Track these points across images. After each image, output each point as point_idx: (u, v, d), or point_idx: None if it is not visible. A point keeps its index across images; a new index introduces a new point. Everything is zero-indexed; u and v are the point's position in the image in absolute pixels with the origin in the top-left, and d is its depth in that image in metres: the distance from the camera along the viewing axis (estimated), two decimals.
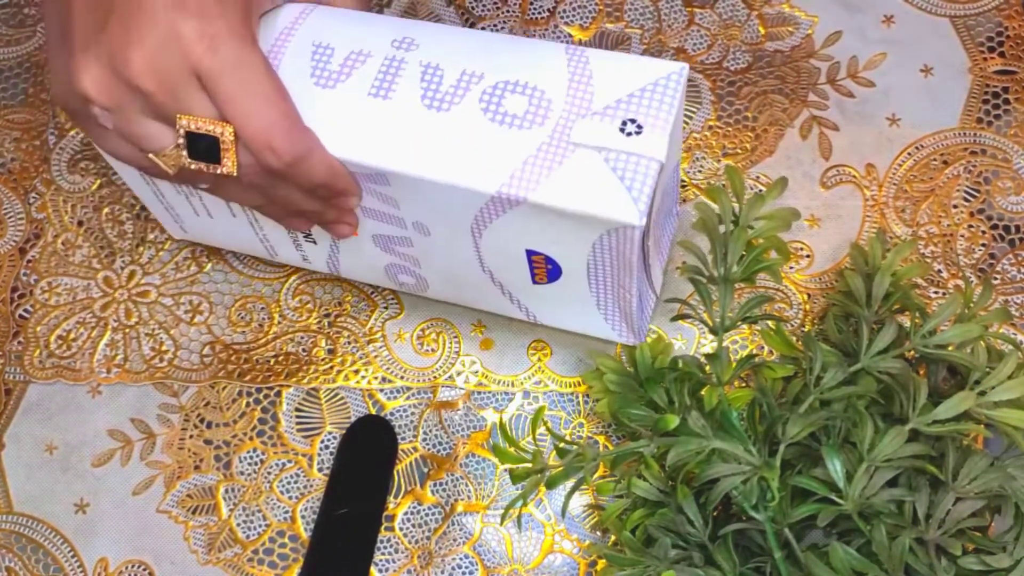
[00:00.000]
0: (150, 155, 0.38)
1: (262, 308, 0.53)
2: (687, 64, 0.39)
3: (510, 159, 0.38)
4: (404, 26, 0.42)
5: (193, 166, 0.38)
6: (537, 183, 0.37)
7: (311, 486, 0.50)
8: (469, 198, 0.39)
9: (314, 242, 0.48)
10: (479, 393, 0.51)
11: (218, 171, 0.38)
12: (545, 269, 0.43)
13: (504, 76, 0.39)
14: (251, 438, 0.51)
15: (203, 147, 0.37)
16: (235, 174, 0.38)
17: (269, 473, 0.51)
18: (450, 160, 0.38)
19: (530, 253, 0.42)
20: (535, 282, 0.44)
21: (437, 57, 0.40)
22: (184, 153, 0.38)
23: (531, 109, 0.39)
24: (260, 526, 0.50)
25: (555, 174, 0.37)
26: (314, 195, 0.41)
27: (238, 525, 0.50)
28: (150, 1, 0.35)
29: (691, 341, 0.52)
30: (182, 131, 0.37)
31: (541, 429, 0.50)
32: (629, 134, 0.37)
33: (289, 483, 0.50)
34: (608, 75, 0.39)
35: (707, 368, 0.43)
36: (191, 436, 0.51)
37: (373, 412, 0.51)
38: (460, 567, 0.49)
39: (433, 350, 0.52)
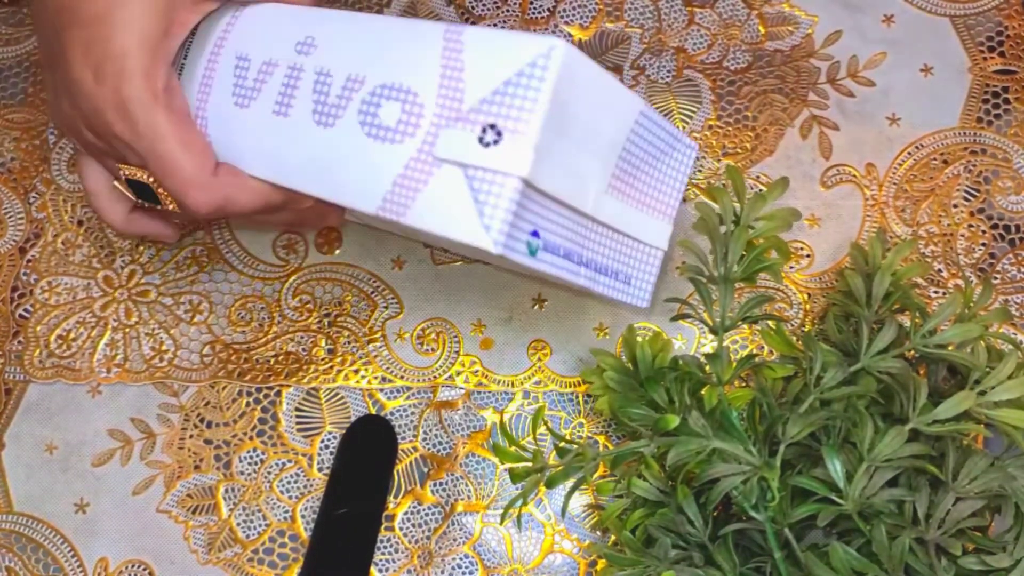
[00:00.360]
0: (114, 184, 0.43)
1: (262, 308, 0.53)
2: (562, 43, 0.32)
3: (384, 179, 0.35)
4: (308, 22, 0.40)
5: (146, 205, 0.43)
6: (406, 207, 0.35)
7: (311, 486, 0.50)
8: (359, 209, 0.37)
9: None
10: (479, 393, 0.51)
11: (164, 208, 0.42)
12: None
13: (382, 79, 0.36)
14: (251, 438, 0.51)
15: (143, 191, 0.42)
16: (179, 211, 0.42)
17: (269, 473, 0.51)
18: (335, 181, 0.38)
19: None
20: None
21: (330, 60, 0.38)
22: (131, 194, 0.42)
23: (403, 118, 0.35)
24: (260, 526, 0.50)
25: (421, 196, 0.34)
26: (268, 216, 0.43)
27: (238, 525, 0.50)
28: (79, 75, 0.39)
29: (691, 341, 0.52)
30: (123, 176, 0.42)
31: (541, 429, 0.50)
32: (487, 144, 0.33)
33: (289, 483, 0.50)
34: (480, 64, 0.34)
35: (707, 368, 0.43)
36: (191, 436, 0.51)
37: (373, 412, 0.51)
38: (460, 567, 0.49)
39: (433, 350, 0.52)
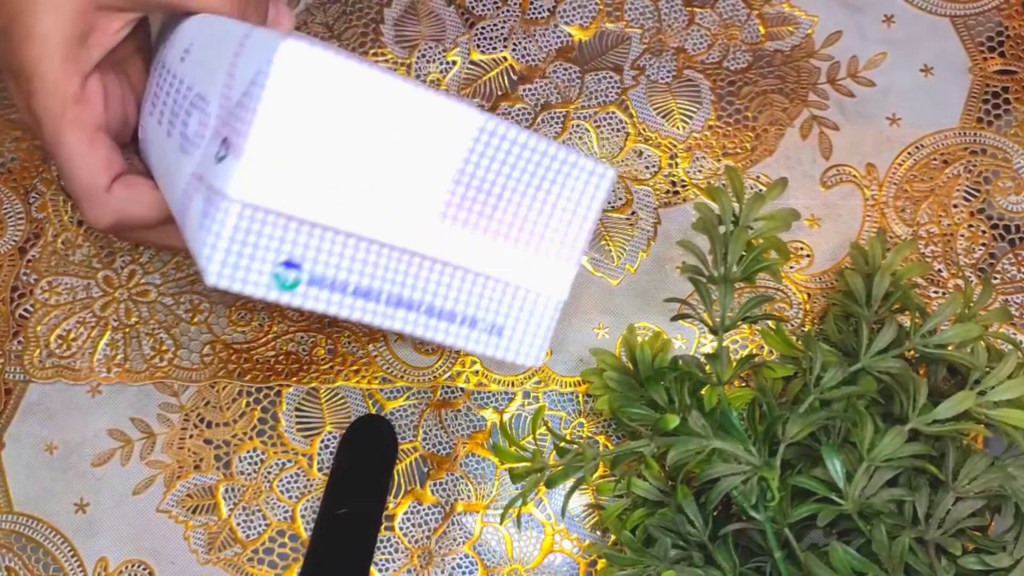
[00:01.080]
0: None
1: (262, 307, 0.53)
2: (294, 46, 0.28)
3: (178, 199, 0.33)
4: (192, 29, 0.38)
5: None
6: (184, 225, 0.32)
7: (311, 486, 0.50)
8: None
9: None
10: (479, 393, 0.51)
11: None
12: None
13: (197, 88, 0.34)
14: (251, 438, 0.51)
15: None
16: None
17: (269, 473, 0.51)
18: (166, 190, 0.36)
19: None
20: None
21: (188, 72, 0.36)
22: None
23: (198, 130, 0.33)
24: (260, 526, 0.50)
25: (187, 214, 0.31)
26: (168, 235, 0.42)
27: (238, 525, 0.50)
28: (6, 83, 0.39)
29: (691, 341, 0.52)
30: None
31: (541, 429, 0.50)
32: (220, 159, 0.29)
33: (289, 483, 0.50)
34: (242, 70, 0.30)
35: (707, 368, 0.43)
36: (191, 436, 0.51)
37: (373, 412, 0.51)
38: (460, 567, 0.49)
39: (433, 350, 0.52)
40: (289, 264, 0.30)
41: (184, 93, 0.34)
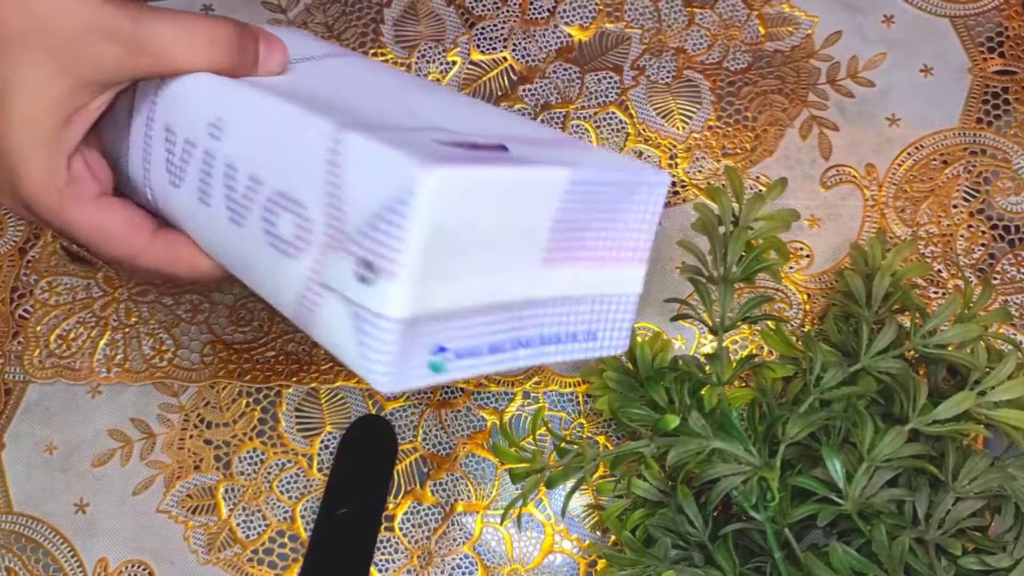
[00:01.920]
0: None
1: (262, 308, 0.53)
2: (432, 175, 0.28)
3: (289, 291, 0.33)
4: (217, 100, 0.37)
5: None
6: (308, 325, 0.33)
7: (311, 486, 0.50)
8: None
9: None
10: (479, 393, 0.51)
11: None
12: None
13: (277, 185, 0.34)
14: (251, 438, 0.51)
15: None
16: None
17: (269, 473, 0.51)
18: (255, 278, 0.36)
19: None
20: None
21: (234, 153, 0.36)
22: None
23: (297, 232, 0.33)
24: (260, 526, 0.50)
25: (317, 318, 0.33)
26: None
27: (238, 525, 0.50)
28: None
29: (691, 341, 0.52)
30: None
31: (541, 429, 0.50)
32: (364, 281, 0.30)
33: (289, 483, 0.50)
34: (357, 185, 0.31)
35: (707, 368, 0.43)
36: (191, 436, 0.51)
37: (373, 412, 0.51)
38: (460, 567, 0.49)
39: None
40: (439, 350, 0.32)
41: (245, 182, 0.34)
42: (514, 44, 0.56)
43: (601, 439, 0.51)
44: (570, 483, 0.43)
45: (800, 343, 0.46)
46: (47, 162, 0.35)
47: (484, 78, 0.56)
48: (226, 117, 0.36)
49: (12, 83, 0.34)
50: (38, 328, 0.53)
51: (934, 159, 0.54)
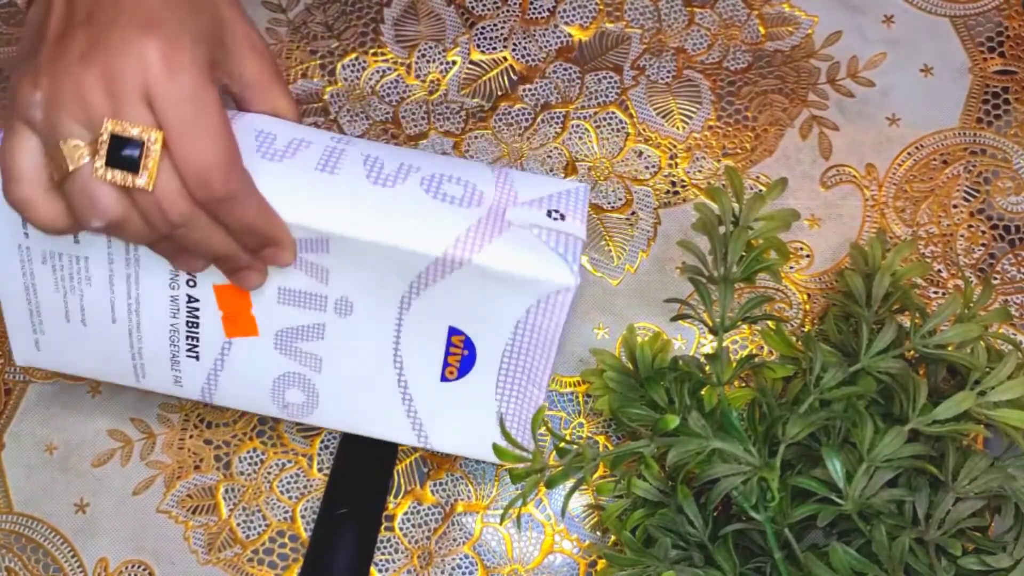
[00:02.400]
0: (57, 143, 0.36)
1: None
2: (587, 185, 0.45)
3: (453, 227, 0.40)
4: (338, 137, 0.43)
5: (109, 175, 0.35)
6: (480, 248, 0.39)
7: (311, 486, 0.50)
8: (413, 260, 0.40)
9: (196, 357, 0.44)
10: None
11: (132, 183, 0.35)
12: (460, 357, 0.43)
13: (439, 170, 0.42)
14: (251, 438, 0.51)
15: (124, 155, 0.35)
16: (150, 189, 0.36)
17: (269, 473, 0.51)
18: (396, 226, 0.39)
19: (451, 332, 0.42)
20: (444, 378, 0.43)
21: (375, 151, 0.42)
22: (99, 158, 0.35)
23: (466, 195, 0.41)
24: (260, 526, 0.50)
25: (495, 242, 0.40)
26: (241, 239, 0.39)
27: (238, 525, 0.50)
28: (122, 18, 0.35)
29: (691, 341, 0.52)
30: (105, 133, 0.35)
31: (541, 429, 0.50)
32: (555, 218, 0.41)
33: (289, 483, 0.50)
34: (526, 183, 0.43)
35: (707, 368, 0.43)
36: (191, 436, 0.51)
37: None
38: (460, 567, 0.49)
39: None
40: (578, 277, 0.40)
41: (400, 167, 0.42)
42: (514, 44, 0.56)
43: (601, 439, 0.51)
44: (570, 483, 0.43)
45: (800, 343, 0.46)
46: (207, 57, 0.37)
47: (484, 78, 0.56)
48: (351, 140, 0.44)
49: None
50: None
51: (934, 159, 0.54)
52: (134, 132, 0.35)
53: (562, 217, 0.41)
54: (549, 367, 0.42)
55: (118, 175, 0.35)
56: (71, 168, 0.35)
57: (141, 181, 0.35)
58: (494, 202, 0.41)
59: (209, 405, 0.48)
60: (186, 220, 0.37)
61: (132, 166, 0.35)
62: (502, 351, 0.42)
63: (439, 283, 0.40)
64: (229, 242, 0.39)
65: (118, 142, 0.35)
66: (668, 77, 0.55)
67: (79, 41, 0.35)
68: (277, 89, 0.43)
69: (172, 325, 0.43)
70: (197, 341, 0.44)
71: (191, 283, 0.42)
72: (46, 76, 0.36)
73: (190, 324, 0.43)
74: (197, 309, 0.43)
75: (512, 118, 0.55)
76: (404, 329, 0.42)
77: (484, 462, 0.50)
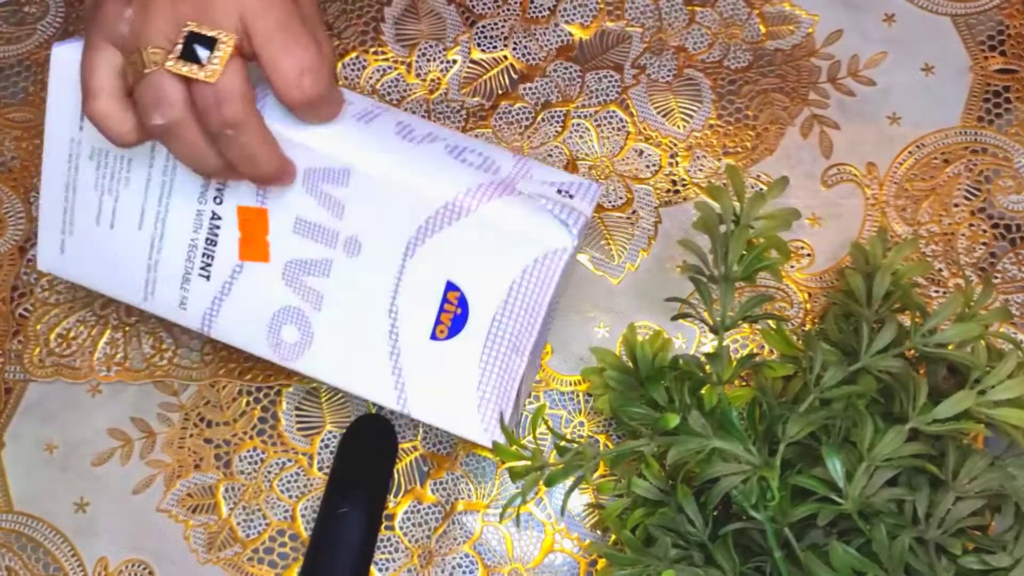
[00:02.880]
0: (138, 49, 0.38)
1: None
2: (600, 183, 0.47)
3: (467, 182, 0.42)
4: (377, 103, 0.46)
5: (176, 68, 0.37)
6: (488, 201, 0.42)
7: (311, 485, 0.50)
8: (423, 203, 0.42)
9: (207, 277, 0.46)
10: None
11: (198, 76, 0.37)
12: (452, 315, 0.44)
13: (464, 144, 0.45)
14: (251, 437, 0.51)
15: (197, 52, 0.37)
16: (213, 80, 0.37)
17: (269, 472, 0.51)
18: (415, 169, 0.42)
19: (448, 288, 0.43)
20: (434, 336, 0.44)
21: (408, 120, 0.45)
22: (175, 53, 0.37)
23: (484, 163, 0.44)
24: (260, 525, 0.50)
25: (503, 199, 0.42)
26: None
27: (238, 524, 0.50)
28: None
29: (691, 340, 0.52)
30: (185, 31, 0.37)
31: (541, 428, 0.50)
32: (563, 195, 0.43)
33: (289, 482, 0.50)
34: (543, 170, 0.45)
35: (707, 367, 0.43)
36: (191, 435, 0.51)
37: (373, 411, 0.51)
38: (460, 566, 0.49)
39: None
40: (577, 241, 0.42)
41: (426, 135, 0.45)
42: (515, 43, 0.56)
43: (601, 438, 0.51)
44: (570, 482, 0.43)
45: (800, 342, 0.46)
46: None
47: (484, 77, 0.56)
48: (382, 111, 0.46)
49: None
50: (38, 327, 0.53)
51: (935, 158, 0.54)
52: (211, 33, 0.37)
53: (571, 196, 0.44)
54: (533, 337, 0.43)
55: (184, 67, 0.37)
56: (146, 71, 0.37)
57: (205, 74, 0.37)
58: (509, 175, 0.44)
59: (204, 337, 0.50)
60: (239, 121, 0.38)
61: (197, 60, 0.37)
62: (493, 314, 0.43)
63: (444, 231, 0.42)
64: (274, 159, 0.41)
65: (195, 40, 0.37)
66: (669, 76, 0.55)
67: None
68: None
69: (192, 240, 0.45)
70: (211, 260, 0.45)
71: (218, 200, 0.44)
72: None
73: (209, 241, 0.45)
74: (218, 227, 0.45)
75: (513, 117, 0.55)
76: (404, 277, 0.44)
77: (486, 460, 0.50)
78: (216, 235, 0.45)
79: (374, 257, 0.44)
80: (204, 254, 0.45)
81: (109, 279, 0.47)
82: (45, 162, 0.46)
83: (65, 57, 0.43)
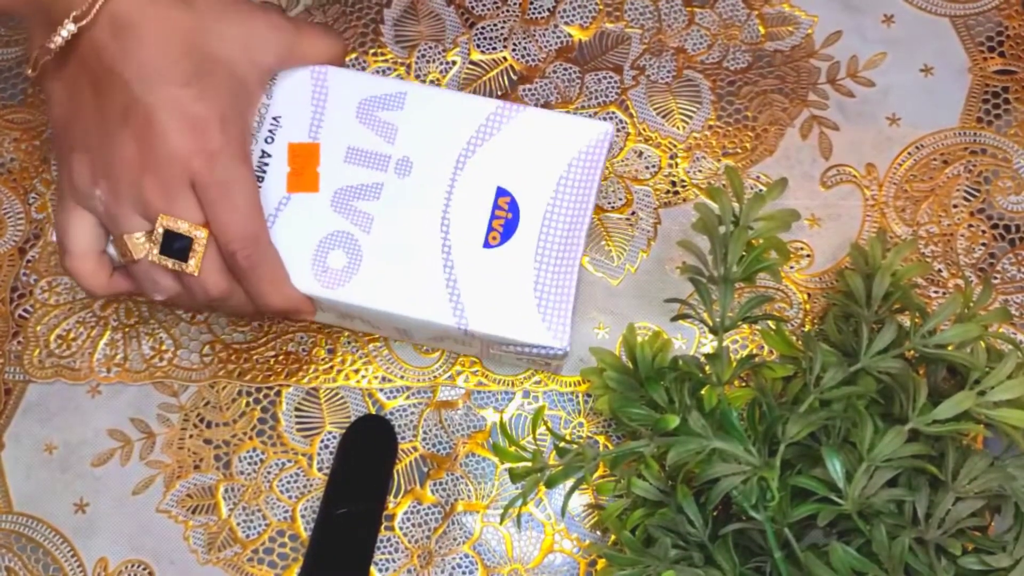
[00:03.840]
0: (122, 236, 0.43)
1: None
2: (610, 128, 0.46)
3: (483, 110, 0.46)
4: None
5: (161, 261, 0.43)
6: (525, 110, 0.46)
7: (311, 485, 0.50)
8: (474, 112, 0.46)
9: None
10: (479, 392, 0.51)
11: (182, 269, 0.43)
12: (504, 220, 0.45)
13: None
14: (251, 438, 0.51)
15: (176, 246, 0.43)
16: (196, 274, 0.43)
17: (269, 473, 0.51)
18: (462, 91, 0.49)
19: (499, 194, 0.45)
20: (487, 244, 0.45)
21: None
22: (155, 248, 0.43)
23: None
24: (260, 526, 0.50)
25: (537, 109, 0.47)
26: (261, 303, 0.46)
27: (238, 525, 0.50)
28: (161, 124, 0.41)
29: (691, 341, 0.52)
30: (160, 228, 0.42)
31: (541, 428, 0.50)
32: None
33: (289, 482, 0.50)
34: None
35: (707, 368, 0.43)
36: (191, 436, 0.51)
37: (373, 412, 0.51)
38: (460, 566, 0.49)
39: (433, 349, 0.52)
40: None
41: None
42: (514, 44, 0.56)
43: (601, 439, 0.51)
44: (570, 483, 0.43)
45: (800, 343, 0.46)
46: (243, 130, 0.44)
47: (484, 78, 0.56)
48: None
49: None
50: (38, 328, 0.53)
51: (934, 159, 0.54)
52: (183, 228, 0.42)
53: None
54: (585, 226, 0.45)
55: (170, 262, 0.43)
56: (136, 258, 0.43)
57: (189, 268, 0.43)
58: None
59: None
60: (226, 295, 0.44)
61: (183, 256, 0.43)
62: (543, 211, 0.45)
63: (492, 139, 0.45)
64: (278, 301, 0.45)
65: (171, 236, 0.42)
66: (668, 77, 0.55)
67: (126, 143, 0.42)
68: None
69: None
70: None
71: (269, 140, 0.46)
72: (104, 178, 0.42)
73: (257, 177, 0.46)
74: (267, 164, 0.46)
75: None
76: (455, 190, 0.45)
77: (486, 461, 0.50)
78: (264, 172, 0.46)
79: (425, 174, 0.45)
80: None
81: None
82: None
83: None
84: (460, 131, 0.46)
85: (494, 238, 0.45)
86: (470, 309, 0.45)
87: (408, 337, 0.50)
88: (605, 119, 0.54)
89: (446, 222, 0.45)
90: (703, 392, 0.42)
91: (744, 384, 0.50)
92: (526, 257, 0.45)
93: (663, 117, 0.55)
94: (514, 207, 0.45)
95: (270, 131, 0.46)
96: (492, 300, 0.45)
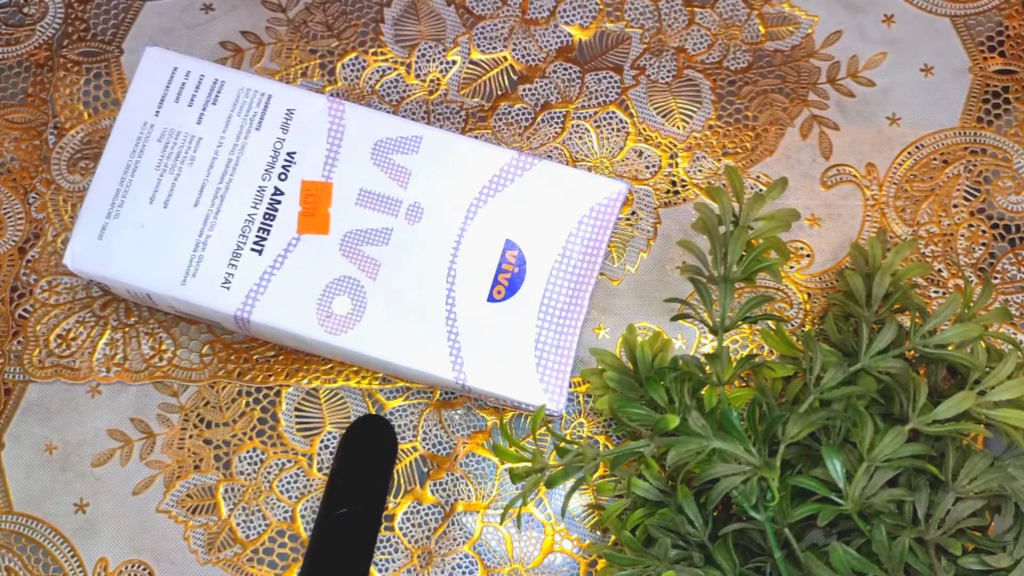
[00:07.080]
0: None
1: None
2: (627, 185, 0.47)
3: (498, 160, 0.46)
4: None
5: None
6: (539, 161, 0.46)
7: (311, 486, 0.50)
8: (491, 159, 0.46)
9: (260, 251, 0.46)
10: None
11: None
12: (510, 275, 0.45)
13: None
14: (251, 438, 0.51)
15: None
16: None
17: (269, 473, 0.51)
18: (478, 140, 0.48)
19: (507, 247, 0.45)
20: (491, 298, 0.45)
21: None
22: None
23: None
24: (260, 526, 0.50)
25: (552, 162, 0.47)
26: None
27: (238, 525, 0.50)
28: None
29: (691, 341, 0.52)
30: None
31: (541, 429, 0.50)
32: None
33: (289, 483, 0.50)
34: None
35: (707, 368, 0.43)
36: (191, 436, 0.51)
37: (373, 412, 0.51)
38: (460, 567, 0.49)
39: None
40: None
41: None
42: (514, 44, 0.56)
43: (601, 439, 0.51)
44: (570, 483, 0.43)
45: (800, 343, 0.46)
46: None
47: (484, 78, 0.56)
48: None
49: None
50: (38, 328, 0.53)
51: (934, 158, 0.54)
52: None
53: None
54: (591, 284, 0.45)
55: None
56: None
57: None
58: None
59: (241, 330, 0.49)
60: None
61: None
62: (550, 268, 0.45)
63: (507, 188, 0.45)
64: None
65: None
66: (668, 77, 0.55)
67: None
68: None
69: (249, 215, 0.46)
70: (267, 234, 0.46)
71: (282, 176, 0.45)
72: None
73: (267, 216, 0.45)
74: (279, 202, 0.45)
75: (512, 118, 0.55)
76: (464, 239, 0.45)
77: (486, 461, 0.50)
78: (276, 210, 0.45)
79: (436, 221, 0.45)
80: (260, 228, 0.46)
81: (145, 264, 0.47)
82: (110, 145, 0.47)
83: (158, 57, 0.47)
84: (474, 180, 0.45)
85: (499, 292, 0.45)
86: (469, 365, 0.45)
87: (400, 378, 0.50)
88: (605, 119, 0.55)
89: (452, 273, 0.45)
90: (703, 392, 0.42)
91: (744, 384, 0.50)
92: (529, 315, 0.45)
93: (663, 117, 0.55)
94: (521, 261, 0.45)
95: (284, 167, 0.45)
96: (492, 357, 0.45)
